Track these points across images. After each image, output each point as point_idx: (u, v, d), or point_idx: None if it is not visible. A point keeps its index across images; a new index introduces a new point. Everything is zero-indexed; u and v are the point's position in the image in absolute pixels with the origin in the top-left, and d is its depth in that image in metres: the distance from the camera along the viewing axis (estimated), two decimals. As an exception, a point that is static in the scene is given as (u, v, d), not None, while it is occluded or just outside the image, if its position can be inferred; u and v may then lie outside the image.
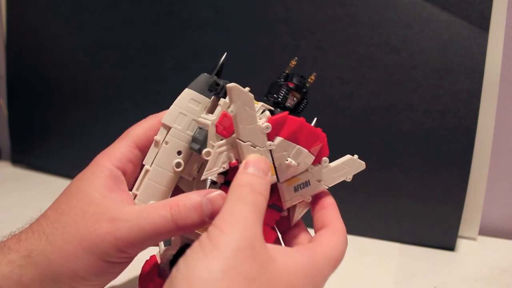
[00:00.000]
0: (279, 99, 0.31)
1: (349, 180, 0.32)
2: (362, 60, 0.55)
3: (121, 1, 0.67)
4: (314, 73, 0.32)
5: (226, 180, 0.30)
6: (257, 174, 0.26)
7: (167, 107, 0.32)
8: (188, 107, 0.31)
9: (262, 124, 0.28)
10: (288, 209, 0.32)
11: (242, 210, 0.24)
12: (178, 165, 0.31)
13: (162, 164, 0.31)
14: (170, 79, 0.65)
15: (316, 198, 0.31)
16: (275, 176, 0.29)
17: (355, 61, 0.55)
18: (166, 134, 0.31)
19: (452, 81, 0.52)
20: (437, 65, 0.52)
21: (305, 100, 0.32)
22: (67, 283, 0.26)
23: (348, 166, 0.32)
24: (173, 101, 0.32)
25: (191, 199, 0.27)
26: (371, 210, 0.56)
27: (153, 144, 0.31)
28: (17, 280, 0.26)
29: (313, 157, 0.30)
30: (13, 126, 0.81)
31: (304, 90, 0.31)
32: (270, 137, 0.29)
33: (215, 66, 0.32)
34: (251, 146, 0.28)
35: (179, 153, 0.31)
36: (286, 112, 0.29)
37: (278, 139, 0.29)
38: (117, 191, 0.29)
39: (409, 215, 0.55)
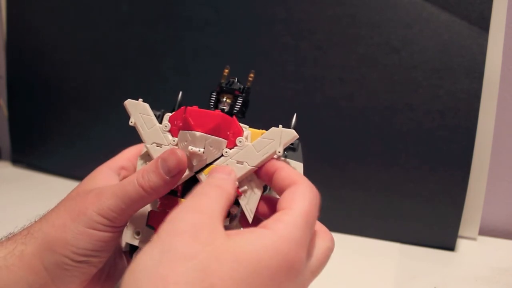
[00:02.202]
0: (211, 107, 0.32)
1: (280, 154, 0.28)
2: (362, 60, 0.55)
3: (121, 1, 0.67)
4: (252, 71, 0.32)
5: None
6: (220, 176, 0.27)
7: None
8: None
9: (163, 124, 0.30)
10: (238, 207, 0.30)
11: (198, 201, 0.24)
12: None
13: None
14: (170, 79, 0.65)
15: (262, 172, 0.29)
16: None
17: (355, 61, 0.55)
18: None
19: (452, 81, 0.52)
20: (437, 65, 0.52)
21: (239, 99, 0.31)
22: (61, 252, 0.28)
23: (272, 138, 0.29)
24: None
25: (149, 164, 0.30)
26: (371, 210, 0.56)
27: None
28: (18, 255, 0.29)
29: (217, 139, 0.29)
30: (13, 126, 0.81)
31: (232, 88, 0.31)
32: (176, 134, 0.30)
33: (174, 106, 0.33)
34: (156, 146, 0.30)
35: None
36: (183, 107, 0.30)
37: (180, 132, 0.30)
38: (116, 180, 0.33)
39: (409, 215, 0.55)
